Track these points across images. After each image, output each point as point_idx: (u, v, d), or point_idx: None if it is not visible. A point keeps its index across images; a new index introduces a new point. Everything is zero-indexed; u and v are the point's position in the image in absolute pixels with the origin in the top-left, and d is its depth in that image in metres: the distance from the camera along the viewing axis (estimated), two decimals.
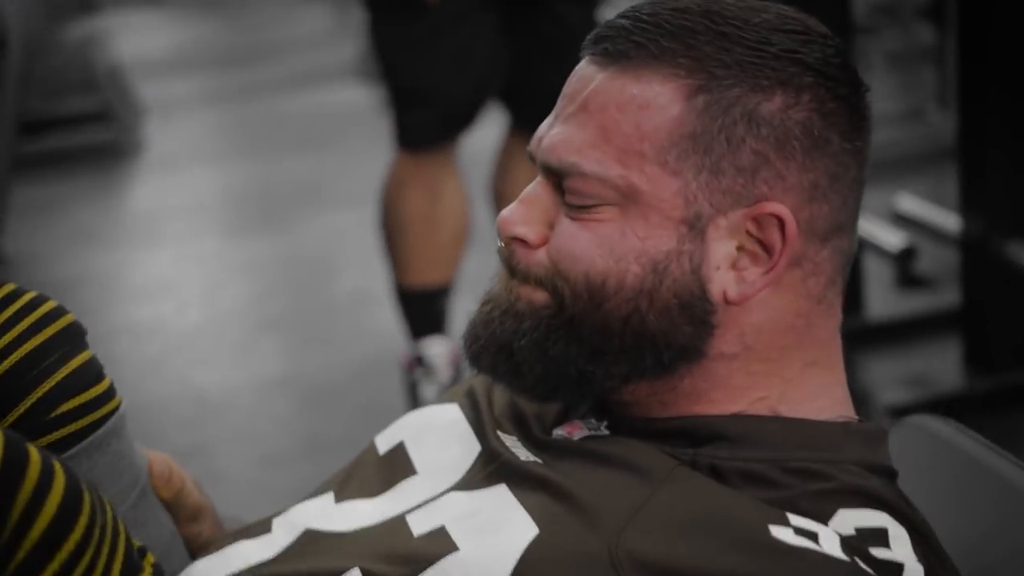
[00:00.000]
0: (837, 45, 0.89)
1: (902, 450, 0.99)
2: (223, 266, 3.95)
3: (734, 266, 0.87)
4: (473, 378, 1.02)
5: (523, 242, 0.90)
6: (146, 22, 8.18)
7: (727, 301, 0.87)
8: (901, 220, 3.45)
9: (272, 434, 2.84)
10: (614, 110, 0.87)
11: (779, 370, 0.90)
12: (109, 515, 0.81)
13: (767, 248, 0.87)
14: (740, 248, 0.87)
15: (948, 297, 2.92)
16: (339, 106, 5.56)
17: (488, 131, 3.04)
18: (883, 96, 4.34)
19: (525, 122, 2.72)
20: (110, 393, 0.91)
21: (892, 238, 3.18)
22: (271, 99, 5.88)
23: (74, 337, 0.90)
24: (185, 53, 7.19)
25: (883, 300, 3.01)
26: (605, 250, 0.87)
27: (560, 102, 0.90)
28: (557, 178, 0.89)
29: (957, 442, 1.05)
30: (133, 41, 7.28)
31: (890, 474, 0.90)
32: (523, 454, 0.91)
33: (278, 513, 0.98)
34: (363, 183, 4.00)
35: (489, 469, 0.91)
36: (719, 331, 0.88)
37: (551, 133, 0.89)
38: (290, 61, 6.56)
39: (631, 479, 0.84)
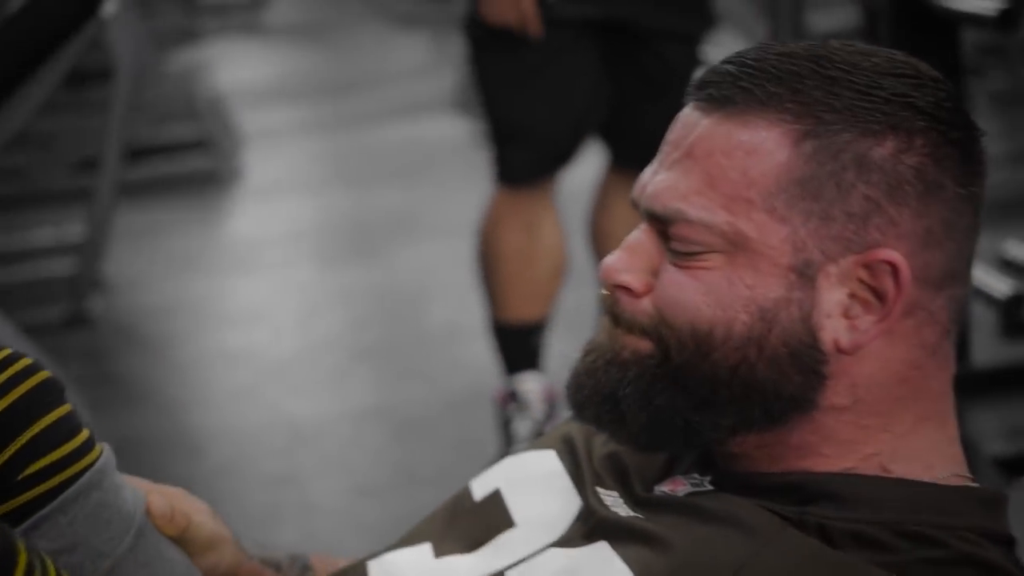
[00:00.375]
0: (949, 89, 0.88)
1: (1018, 514, 0.95)
2: (318, 295, 3.97)
3: (846, 314, 0.85)
4: (570, 423, 1.00)
5: (627, 290, 0.88)
6: (247, 51, 8.30)
7: (839, 350, 0.85)
8: (1009, 266, 3.38)
9: (364, 465, 2.84)
10: (720, 156, 0.85)
11: (891, 425, 0.87)
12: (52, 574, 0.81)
13: (880, 296, 0.85)
14: (852, 296, 0.85)
15: None
16: (436, 138, 5.59)
17: (586, 166, 3.02)
18: (989, 138, 4.23)
19: (624, 160, 2.70)
20: (87, 446, 0.89)
21: (1000, 285, 3.11)
22: (368, 129, 5.93)
23: (48, 394, 0.88)
24: (284, 82, 7.28)
25: (989, 348, 2.95)
26: (712, 299, 0.85)
27: (664, 148, 0.89)
28: (662, 225, 0.88)
29: None
30: (234, 70, 7.39)
31: (1009, 542, 0.87)
32: (623, 511, 0.89)
33: (372, 556, 0.97)
34: (458, 215, 4.00)
35: (589, 525, 0.90)
36: (830, 382, 0.86)
37: (655, 180, 0.88)
38: (388, 92, 6.61)
39: (736, 536, 0.82)
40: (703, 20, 2.64)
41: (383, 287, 3.97)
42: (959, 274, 0.88)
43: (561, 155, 2.61)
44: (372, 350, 3.49)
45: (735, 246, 0.85)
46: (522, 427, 2.63)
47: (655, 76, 2.58)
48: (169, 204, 4.97)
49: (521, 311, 2.65)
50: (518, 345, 2.68)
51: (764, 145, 0.85)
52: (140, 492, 0.95)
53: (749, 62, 0.87)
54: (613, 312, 0.89)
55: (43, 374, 0.89)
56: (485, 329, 2.78)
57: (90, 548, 0.89)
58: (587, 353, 0.91)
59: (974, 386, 2.71)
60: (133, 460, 3.32)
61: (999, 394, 2.72)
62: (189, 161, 5.22)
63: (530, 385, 2.64)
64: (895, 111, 0.84)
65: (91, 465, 0.89)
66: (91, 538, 0.89)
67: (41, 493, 0.87)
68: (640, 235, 0.89)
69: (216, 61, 6.99)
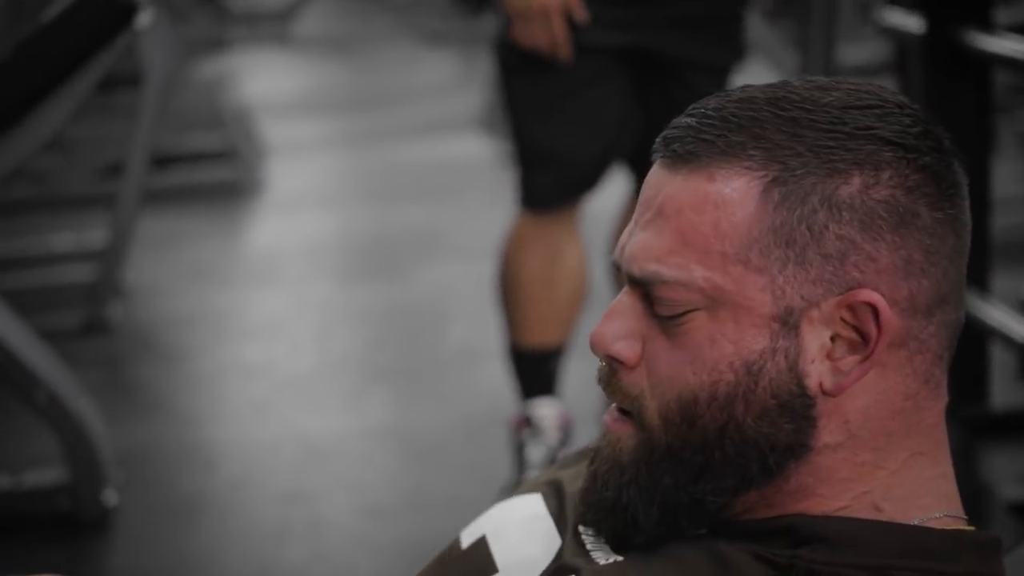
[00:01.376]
0: (915, 113, 0.87)
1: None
2: (336, 311, 3.97)
3: (829, 356, 0.85)
4: (559, 469, 1.01)
5: (621, 362, 0.88)
6: (274, 63, 8.32)
7: (824, 392, 0.85)
8: None
9: (376, 485, 2.83)
10: (690, 212, 0.85)
11: (885, 460, 0.86)
12: None
13: (864, 335, 0.85)
14: (835, 337, 0.85)
15: None
16: (460, 157, 5.59)
17: (610, 192, 3.01)
18: (1014, 179, 4.25)
19: None
20: None
21: (1019, 328, 3.08)
22: (393, 146, 5.93)
23: None
24: (310, 95, 7.29)
25: (1008, 391, 2.92)
26: (698, 364, 0.85)
27: (637, 209, 0.89)
28: (643, 288, 0.88)
29: None
30: (261, 81, 7.41)
31: None
32: (602, 556, 0.89)
33: None
34: (480, 236, 4.00)
35: (560, 563, 0.90)
36: (822, 422, 0.85)
37: (631, 242, 0.88)
38: (414, 109, 6.62)
39: None
40: (733, 51, 2.64)
41: (402, 306, 3.96)
42: (949, 297, 0.87)
43: (587, 181, 2.61)
44: (389, 369, 3.48)
45: (715, 301, 0.85)
46: (535, 453, 2.61)
47: (683, 106, 2.56)
48: (191, 213, 4.98)
49: (539, 336, 2.64)
50: (535, 370, 2.66)
51: (732, 197, 0.84)
52: None
53: (709, 113, 0.86)
54: (609, 385, 0.89)
55: None
56: (502, 352, 2.77)
57: None
58: (590, 464, 0.91)
59: (993, 429, 2.68)
60: (145, 471, 3.31)
61: (1018, 438, 2.70)
62: (212, 171, 5.23)
63: (545, 411, 2.63)
64: (860, 145, 0.84)
65: None
66: None
67: None
68: (624, 298, 0.89)
69: (243, 71, 7.01)
